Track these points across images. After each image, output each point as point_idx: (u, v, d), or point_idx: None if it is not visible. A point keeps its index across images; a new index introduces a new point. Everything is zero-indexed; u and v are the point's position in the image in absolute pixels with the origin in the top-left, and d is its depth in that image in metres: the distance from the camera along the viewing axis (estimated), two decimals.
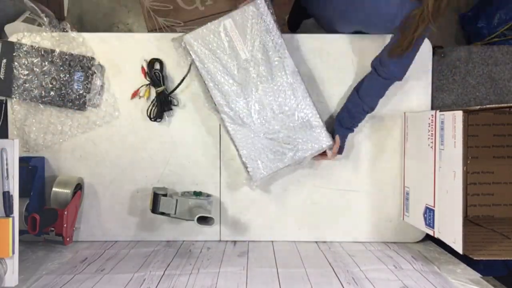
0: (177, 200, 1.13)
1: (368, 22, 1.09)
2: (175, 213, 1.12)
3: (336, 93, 1.21)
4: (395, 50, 1.02)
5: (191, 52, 1.09)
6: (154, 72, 1.18)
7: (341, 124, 1.15)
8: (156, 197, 1.12)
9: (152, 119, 1.19)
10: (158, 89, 1.17)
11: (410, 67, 1.07)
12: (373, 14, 1.04)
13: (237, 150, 1.13)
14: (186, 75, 1.14)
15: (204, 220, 1.10)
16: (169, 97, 1.18)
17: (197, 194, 1.19)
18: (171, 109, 1.20)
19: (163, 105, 1.18)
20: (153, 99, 1.18)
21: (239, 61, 1.10)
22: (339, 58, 1.21)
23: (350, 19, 1.13)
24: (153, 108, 1.18)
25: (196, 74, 1.14)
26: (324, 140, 1.13)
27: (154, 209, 1.12)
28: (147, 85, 1.18)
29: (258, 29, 1.09)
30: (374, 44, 1.20)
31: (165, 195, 1.13)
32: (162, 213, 1.13)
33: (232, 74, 1.10)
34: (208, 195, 1.20)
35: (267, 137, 1.12)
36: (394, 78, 1.09)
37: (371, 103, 1.12)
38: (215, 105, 1.11)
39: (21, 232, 0.94)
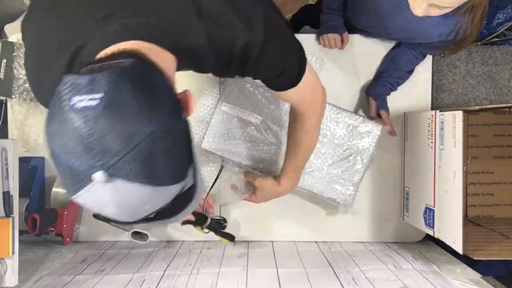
0: None
1: (411, 39, 1.12)
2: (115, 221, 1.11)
3: (336, 92, 1.21)
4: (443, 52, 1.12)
5: (217, 152, 1.11)
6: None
7: (374, 86, 1.18)
8: None
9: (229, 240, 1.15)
10: (205, 225, 1.09)
11: None
12: (415, 35, 1.07)
13: (314, 193, 1.14)
14: (216, 178, 1.14)
15: (139, 235, 1.09)
16: (218, 221, 1.14)
17: None
18: (225, 227, 1.16)
19: (219, 230, 1.14)
20: (207, 231, 1.11)
21: (258, 127, 1.11)
22: (339, 58, 1.21)
23: (393, 38, 1.18)
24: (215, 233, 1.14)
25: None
26: (374, 129, 1.13)
27: (96, 214, 1.11)
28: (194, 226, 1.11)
29: (249, 90, 1.10)
30: (374, 44, 1.20)
31: None
32: (104, 219, 1.11)
33: (263, 142, 1.11)
34: None
35: (329, 164, 1.13)
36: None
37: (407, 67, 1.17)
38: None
39: (21, 232, 0.94)
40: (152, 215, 0.52)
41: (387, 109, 1.17)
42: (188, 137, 0.54)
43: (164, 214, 0.53)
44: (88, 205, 0.50)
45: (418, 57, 1.16)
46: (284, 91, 0.78)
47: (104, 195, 0.46)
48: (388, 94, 1.18)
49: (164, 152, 0.48)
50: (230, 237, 1.15)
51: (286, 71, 0.74)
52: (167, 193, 0.50)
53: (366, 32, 1.19)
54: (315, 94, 0.86)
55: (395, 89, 1.18)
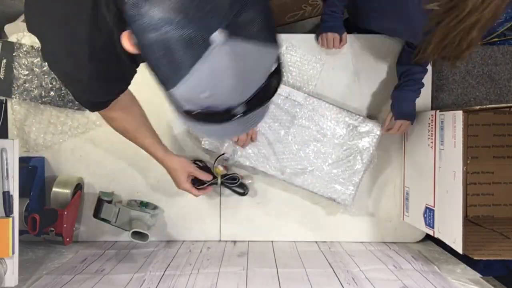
0: (119, 208, 1.12)
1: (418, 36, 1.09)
2: (115, 222, 1.12)
3: (336, 92, 1.21)
4: None
5: (216, 151, 1.14)
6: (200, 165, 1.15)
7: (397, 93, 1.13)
8: (99, 202, 1.11)
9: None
10: (214, 181, 1.12)
11: None
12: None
13: (314, 193, 1.15)
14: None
15: (139, 235, 1.10)
16: (235, 178, 1.15)
17: (144, 204, 1.18)
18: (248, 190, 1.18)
19: (237, 188, 1.17)
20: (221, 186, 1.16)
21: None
22: (339, 58, 1.21)
23: (399, 36, 1.15)
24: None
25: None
26: (375, 128, 1.14)
27: (96, 214, 1.11)
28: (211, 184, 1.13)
29: None
30: (374, 44, 1.21)
31: (109, 202, 1.12)
32: (103, 219, 1.12)
33: (262, 140, 1.13)
34: (155, 207, 1.19)
35: (329, 164, 1.14)
36: None
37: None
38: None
39: (21, 232, 0.94)
40: (257, 92, 0.47)
41: (411, 117, 1.13)
42: None
43: (263, 95, 0.49)
44: (202, 83, 0.43)
45: None
46: None
47: (222, 61, 0.42)
48: (414, 96, 1.12)
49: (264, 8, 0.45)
50: (241, 192, 1.17)
51: None
52: (271, 57, 0.47)
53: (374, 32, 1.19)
54: None
55: (421, 86, 1.13)
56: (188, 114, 0.48)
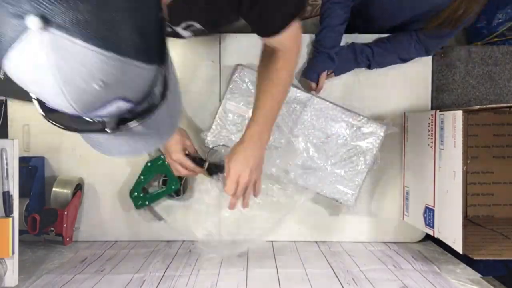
0: None
1: (413, 18, 1.10)
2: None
3: (339, 93, 1.21)
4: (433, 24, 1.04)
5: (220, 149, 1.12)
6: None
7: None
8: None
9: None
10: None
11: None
12: (417, 11, 1.05)
13: (318, 193, 1.15)
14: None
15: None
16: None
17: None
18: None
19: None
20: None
21: None
22: None
23: (394, 21, 1.15)
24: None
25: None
26: (378, 129, 1.14)
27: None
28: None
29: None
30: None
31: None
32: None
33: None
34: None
35: (332, 164, 1.14)
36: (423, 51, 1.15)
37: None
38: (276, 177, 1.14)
39: (21, 232, 0.94)
40: (108, 109, 0.41)
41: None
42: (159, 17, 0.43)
43: (129, 114, 0.44)
44: (20, 73, 0.38)
45: (418, 50, 1.14)
46: (281, 33, 0.76)
47: (39, 52, 0.35)
48: (350, 65, 1.17)
49: (126, 13, 0.37)
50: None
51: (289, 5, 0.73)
52: (128, 71, 0.39)
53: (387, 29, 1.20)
54: (299, 29, 0.83)
55: (366, 66, 1.18)
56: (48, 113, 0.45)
